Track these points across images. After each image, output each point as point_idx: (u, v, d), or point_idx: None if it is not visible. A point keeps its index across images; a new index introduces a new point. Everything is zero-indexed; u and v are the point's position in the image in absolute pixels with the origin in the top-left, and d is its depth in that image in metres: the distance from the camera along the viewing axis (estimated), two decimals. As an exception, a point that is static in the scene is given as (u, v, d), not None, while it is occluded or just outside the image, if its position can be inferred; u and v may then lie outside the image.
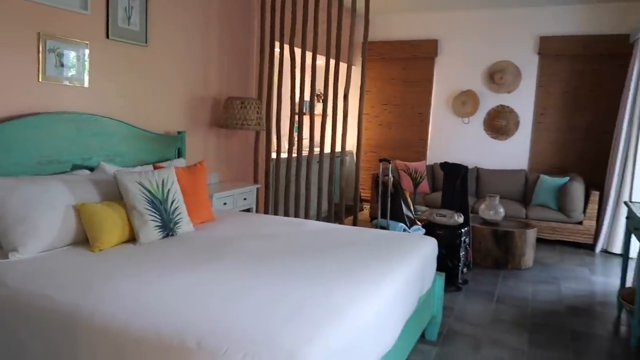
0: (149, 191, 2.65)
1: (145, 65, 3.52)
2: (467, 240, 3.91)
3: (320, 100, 6.28)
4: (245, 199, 4.22)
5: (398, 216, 3.91)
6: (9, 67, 2.62)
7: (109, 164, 3.05)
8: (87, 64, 3.05)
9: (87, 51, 3.03)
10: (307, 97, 5.44)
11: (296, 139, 4.74)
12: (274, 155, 4.86)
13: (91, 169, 2.99)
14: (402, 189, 4.09)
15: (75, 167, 2.93)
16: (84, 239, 2.46)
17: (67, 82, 2.94)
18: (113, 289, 1.84)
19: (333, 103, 4.53)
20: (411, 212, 4.08)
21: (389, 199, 3.94)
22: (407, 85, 6.89)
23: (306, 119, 5.03)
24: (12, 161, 2.59)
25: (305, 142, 5.11)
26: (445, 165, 4.06)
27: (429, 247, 2.80)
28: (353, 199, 4.48)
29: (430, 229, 3.82)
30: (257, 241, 2.62)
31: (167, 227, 2.66)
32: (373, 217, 5.75)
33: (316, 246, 2.57)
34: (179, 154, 3.78)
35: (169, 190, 2.76)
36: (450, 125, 6.59)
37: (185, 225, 2.78)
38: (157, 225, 2.60)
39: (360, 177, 4.58)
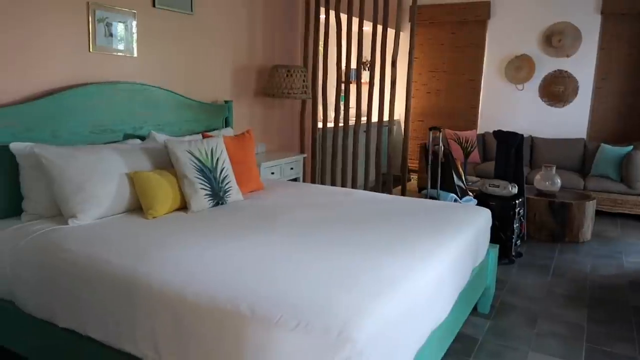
0: (199, 160, 2.66)
1: (191, 34, 3.50)
2: (521, 211, 3.75)
3: (367, 68, 6.12)
4: (292, 168, 4.21)
5: (449, 186, 3.79)
6: (61, 37, 2.66)
7: (159, 132, 3.09)
8: (135, 33, 3.06)
9: (134, 21, 3.04)
10: (353, 65, 5.31)
11: (342, 108, 4.65)
12: (320, 124, 4.80)
13: (142, 138, 3.03)
14: (453, 158, 3.94)
15: (127, 136, 2.98)
16: (137, 207, 2.51)
17: (116, 52, 2.96)
18: (168, 255, 1.86)
19: (380, 70, 4.40)
20: (462, 182, 3.94)
21: (439, 169, 3.81)
22: (456, 51, 6.61)
23: (353, 88, 4.92)
24: (68, 130, 2.65)
25: (352, 111, 5.01)
26: (499, 134, 3.88)
27: (483, 218, 2.70)
28: (401, 169, 4.38)
29: (483, 199, 3.68)
30: (307, 211, 2.60)
31: (217, 196, 2.67)
32: (421, 187, 5.64)
33: (367, 216, 2.52)
34: (226, 123, 3.79)
35: (217, 159, 2.76)
36: (503, 92, 6.30)
37: (234, 194, 2.79)
38: (207, 194, 2.62)
39: (408, 146, 4.45)
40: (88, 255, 1.90)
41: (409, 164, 6.81)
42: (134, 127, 3.02)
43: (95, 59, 2.86)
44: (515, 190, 3.68)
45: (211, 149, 2.76)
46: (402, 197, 3.04)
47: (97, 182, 2.35)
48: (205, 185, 2.62)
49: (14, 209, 2.40)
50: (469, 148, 4.82)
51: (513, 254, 3.69)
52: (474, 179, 4.87)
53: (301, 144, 4.76)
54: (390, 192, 4.47)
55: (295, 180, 4.31)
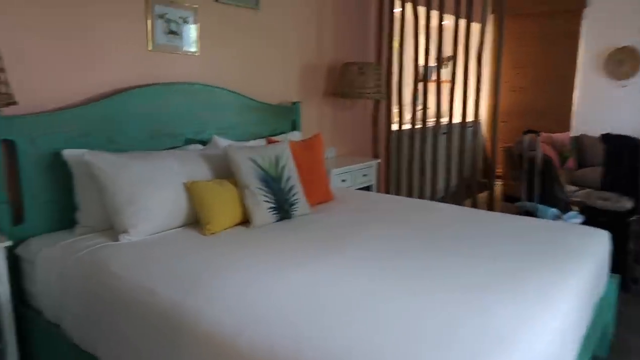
0: (262, 168, 2.37)
1: (256, 30, 3.24)
2: (638, 229, 3.15)
3: (447, 65, 5.64)
4: (364, 175, 3.84)
5: (548, 199, 3.26)
6: (117, 35, 2.47)
7: (222, 137, 2.84)
8: (196, 30, 2.83)
9: (196, 16, 2.81)
10: (432, 62, 4.86)
11: (420, 108, 4.22)
12: (396, 127, 4.39)
13: (204, 143, 2.80)
14: (554, 167, 3.41)
15: (188, 141, 2.75)
16: (196, 220, 2.26)
17: (177, 51, 2.75)
18: (221, 285, 1.57)
19: (464, 67, 3.93)
20: (564, 194, 3.40)
21: (536, 178, 3.30)
22: (545, 44, 5.97)
23: (431, 87, 4.49)
24: (125, 135, 2.45)
25: (430, 112, 4.57)
26: (608, 138, 3.30)
27: (602, 242, 2.20)
28: (485, 175, 3.88)
29: (590, 216, 3.13)
30: (382, 229, 2.23)
31: (282, 209, 2.37)
32: (507, 195, 5.08)
33: (457, 238, 2.10)
34: (294, 126, 3.49)
35: (283, 167, 2.46)
36: (603, 89, 5.57)
37: (301, 206, 2.47)
38: (272, 207, 2.32)
39: (497, 150, 3.95)
40: (132, 282, 1.65)
41: (497, 170, 6.23)
42: (195, 131, 2.79)
43: (154, 58, 2.65)
44: (630, 204, 3.09)
45: (276, 155, 2.46)
46: (495, 213, 2.59)
47: (151, 193, 2.12)
48: (269, 197, 2.33)
49: (68, 220, 2.23)
50: (566, 153, 4.22)
51: (630, 281, 3.10)
52: (572, 188, 4.27)
53: (374, 148, 4.38)
54: (475, 200, 3.98)
55: (367, 188, 3.95)
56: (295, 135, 3.30)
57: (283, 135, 3.23)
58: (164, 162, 2.24)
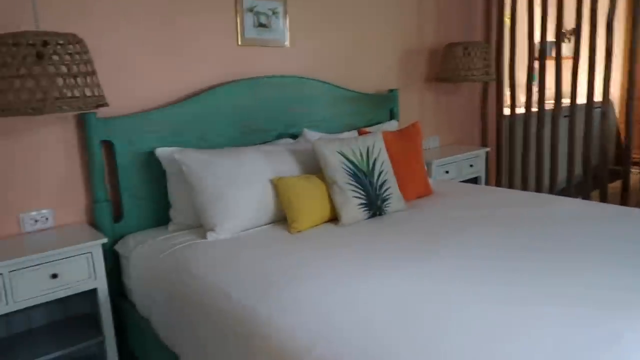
0: (352, 162, 2.21)
1: (350, 16, 3.08)
2: None
3: (569, 39, 5.01)
4: (471, 165, 3.52)
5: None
6: (207, 32, 2.46)
7: (314, 130, 2.74)
8: (286, 20, 2.75)
9: (285, 7, 2.73)
10: (550, 37, 4.32)
11: (537, 90, 3.76)
12: (508, 111, 3.98)
13: (295, 137, 2.71)
14: None
15: (280, 136, 2.69)
16: (284, 217, 2.18)
17: (267, 43, 2.69)
18: (297, 292, 1.45)
19: (590, 39, 3.40)
20: None
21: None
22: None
23: (550, 65, 3.97)
24: (216, 132, 2.44)
25: (549, 93, 4.06)
26: None
27: None
28: (618, 162, 3.33)
29: None
30: (486, 227, 1.97)
31: (374, 205, 2.20)
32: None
33: (575, 240, 1.78)
34: (392, 115, 3.29)
35: (375, 160, 2.28)
36: None
37: (395, 202, 2.28)
38: (362, 203, 2.16)
39: (632, 132, 3.38)
40: (210, 284, 1.60)
41: (633, 155, 5.43)
42: (286, 125, 2.72)
43: (244, 53, 2.62)
44: None
45: (367, 148, 2.29)
46: (630, 209, 2.17)
47: (237, 190, 2.07)
48: (360, 193, 2.17)
49: (164, 218, 2.28)
50: None
51: None
52: None
53: (483, 136, 4.00)
54: (605, 192, 3.45)
55: (475, 180, 3.61)
56: (393, 125, 3.09)
57: (378, 125, 3.04)
58: (250, 158, 2.18)
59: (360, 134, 2.58)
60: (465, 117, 3.97)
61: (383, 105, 3.22)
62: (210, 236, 2.00)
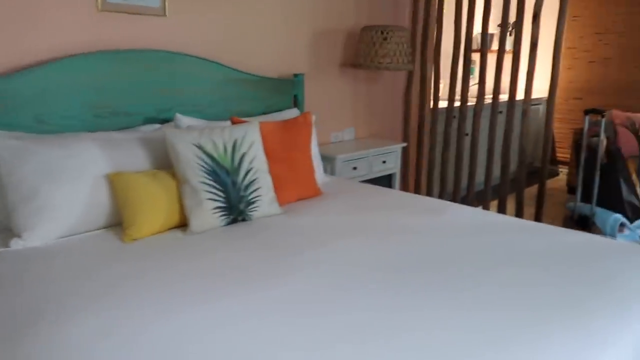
0: (211, 157, 1.86)
1: (248, -14, 2.70)
2: None
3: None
4: (384, 162, 3.23)
5: (612, 201, 2.49)
6: (52, -9, 2.03)
7: (189, 116, 2.36)
8: (162, -15, 2.34)
9: (162, -32, 2.32)
10: (478, 29, 4.07)
11: (460, 82, 3.50)
12: (444, 104, 3.70)
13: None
14: (623, 159, 2.61)
15: (148, 121, 2.30)
16: (120, 221, 1.81)
17: (137, 10, 2.27)
18: (67, 331, 1.09)
19: (516, 32, 3.16)
20: (635, 196, 2.59)
21: (598, 172, 2.52)
22: (637, 5, 4.91)
23: (476, 57, 3.73)
24: (60, 114, 2.02)
25: (476, 87, 3.82)
26: None
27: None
28: (542, 162, 3.10)
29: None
30: (359, 240, 1.67)
31: (235, 209, 1.86)
32: (572, 186, 4.23)
33: (473, 260, 1.50)
34: (296, 103, 2.94)
35: (243, 155, 1.93)
36: None
37: (264, 206, 1.94)
38: (219, 207, 1.81)
39: (556, 132, 3.16)
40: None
41: (559, 155, 5.32)
42: (158, 109, 2.33)
43: (106, 20, 2.20)
44: None
45: (234, 140, 1.94)
46: (530, 222, 1.92)
47: (58, 187, 1.68)
48: (217, 195, 1.82)
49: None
50: (650, 139, 3.32)
51: None
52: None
53: (405, 130, 3.73)
54: (521, 194, 3.21)
55: (389, 178, 3.33)
56: (293, 113, 2.75)
57: (276, 113, 2.69)
58: (82, 148, 1.79)
59: (233, 122, 2.22)
60: (386, 109, 3.68)
61: (285, 90, 2.87)
62: (15, 244, 1.60)
